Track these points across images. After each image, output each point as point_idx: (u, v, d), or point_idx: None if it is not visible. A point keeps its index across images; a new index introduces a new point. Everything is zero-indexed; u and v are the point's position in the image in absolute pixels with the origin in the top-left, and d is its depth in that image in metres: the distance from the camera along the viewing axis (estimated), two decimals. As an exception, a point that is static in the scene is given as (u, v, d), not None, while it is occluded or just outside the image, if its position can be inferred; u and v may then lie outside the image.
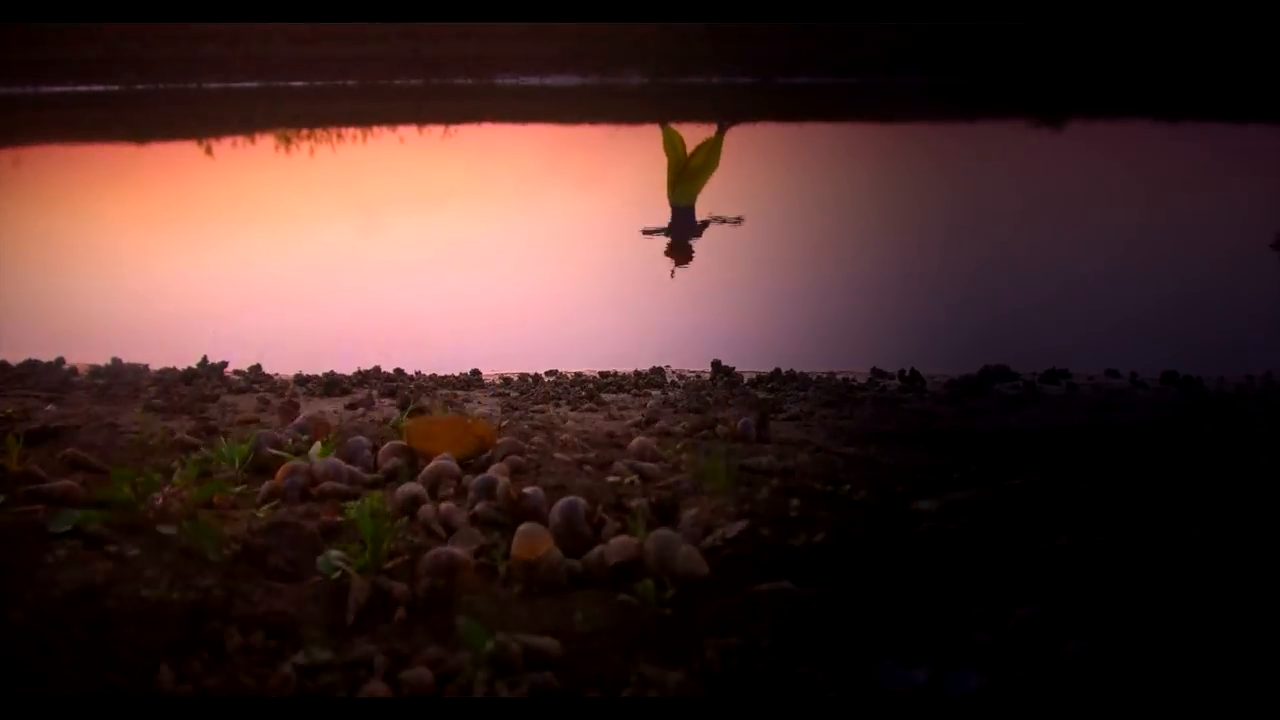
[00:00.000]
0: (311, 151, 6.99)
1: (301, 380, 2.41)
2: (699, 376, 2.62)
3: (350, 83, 9.28)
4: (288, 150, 7.07)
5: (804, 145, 8.12)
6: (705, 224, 5.38)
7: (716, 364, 2.86)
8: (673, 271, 4.74)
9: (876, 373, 2.72)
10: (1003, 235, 4.73)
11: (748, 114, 9.07)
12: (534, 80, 9.20)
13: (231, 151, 7.05)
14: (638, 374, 2.62)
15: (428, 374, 2.55)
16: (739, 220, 5.35)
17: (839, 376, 2.58)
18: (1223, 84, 10.48)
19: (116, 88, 9.13)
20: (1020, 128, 8.96)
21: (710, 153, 5.76)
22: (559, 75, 9.31)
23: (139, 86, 9.22)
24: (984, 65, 10.34)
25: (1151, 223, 4.88)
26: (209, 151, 7.00)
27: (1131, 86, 10.46)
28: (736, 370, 2.66)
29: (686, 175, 5.85)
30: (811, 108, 9.44)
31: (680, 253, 5.03)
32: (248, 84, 9.29)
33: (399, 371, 2.57)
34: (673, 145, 5.35)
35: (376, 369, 2.56)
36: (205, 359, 2.63)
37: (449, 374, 2.54)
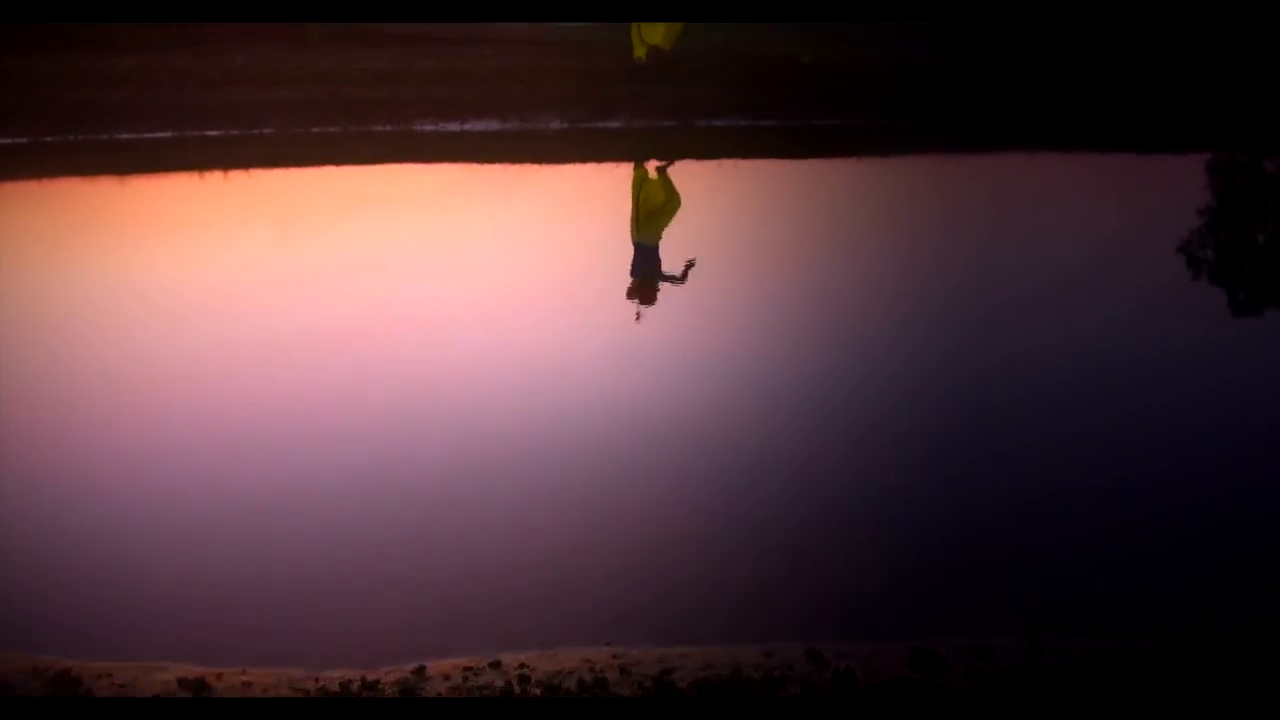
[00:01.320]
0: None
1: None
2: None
3: (267, 130, 9.17)
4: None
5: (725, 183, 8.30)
6: (689, 267, 5.63)
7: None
8: (638, 314, 4.92)
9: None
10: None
11: (676, 154, 9.23)
12: (454, 126, 9.18)
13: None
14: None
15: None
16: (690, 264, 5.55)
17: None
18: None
19: (24, 140, 8.94)
20: (937, 165, 9.20)
21: (669, 191, 6.18)
22: (478, 121, 9.30)
23: (48, 138, 9.02)
24: (902, 106, 10.54)
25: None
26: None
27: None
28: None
29: (651, 214, 6.26)
30: (732, 149, 9.59)
31: (646, 293, 5.25)
32: (161, 134, 9.13)
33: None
34: (640, 184, 5.70)
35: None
36: None
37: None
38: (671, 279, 5.73)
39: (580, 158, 9.28)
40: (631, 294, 5.26)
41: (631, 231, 6.84)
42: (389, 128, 9.30)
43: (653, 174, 8.50)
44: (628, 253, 6.38)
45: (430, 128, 9.30)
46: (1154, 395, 4.21)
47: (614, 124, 9.74)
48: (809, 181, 9.08)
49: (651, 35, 10.85)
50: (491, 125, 9.44)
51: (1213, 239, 7.89)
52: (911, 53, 14.64)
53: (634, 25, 11.00)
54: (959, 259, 6.44)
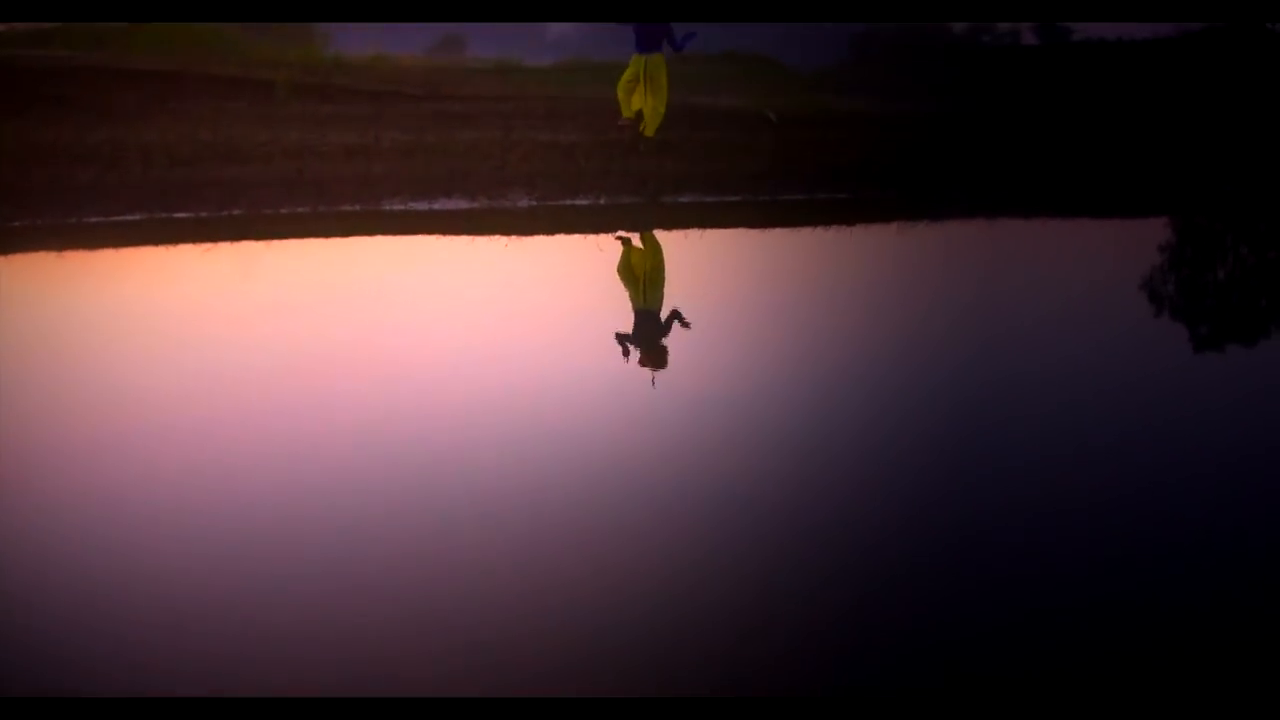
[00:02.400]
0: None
1: None
2: None
3: (236, 211, 9.20)
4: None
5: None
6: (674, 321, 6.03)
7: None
8: (653, 380, 5.00)
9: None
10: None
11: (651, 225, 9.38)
12: (423, 205, 9.26)
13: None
14: None
15: None
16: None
17: None
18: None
19: (-13, 224, 8.92)
20: (895, 233, 9.36)
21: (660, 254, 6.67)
22: (447, 200, 9.40)
23: (15, 223, 9.00)
24: (868, 181, 10.73)
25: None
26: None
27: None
28: None
29: (652, 279, 6.69)
30: (700, 221, 9.72)
31: (658, 357, 5.44)
32: (130, 216, 9.14)
33: None
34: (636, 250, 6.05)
35: None
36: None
37: None
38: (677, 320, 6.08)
39: (549, 231, 9.34)
40: (645, 362, 5.37)
41: (634, 300, 6.97)
42: (358, 207, 9.33)
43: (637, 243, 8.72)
44: (603, 320, 6.41)
45: (399, 207, 9.35)
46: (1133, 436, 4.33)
47: (582, 201, 9.84)
48: (776, 248, 9.22)
49: (635, 113, 11.28)
50: (460, 204, 9.50)
51: (1174, 276, 8.62)
52: (874, 106, 15.02)
53: (624, 91, 11.33)
54: (932, 317, 6.59)
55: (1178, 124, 16.03)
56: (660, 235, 9.22)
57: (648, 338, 5.86)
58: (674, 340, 5.78)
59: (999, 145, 12.45)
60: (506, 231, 8.93)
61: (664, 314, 6.40)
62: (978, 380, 5.27)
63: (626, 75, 11.39)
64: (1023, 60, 39.73)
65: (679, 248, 8.81)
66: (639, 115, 11.41)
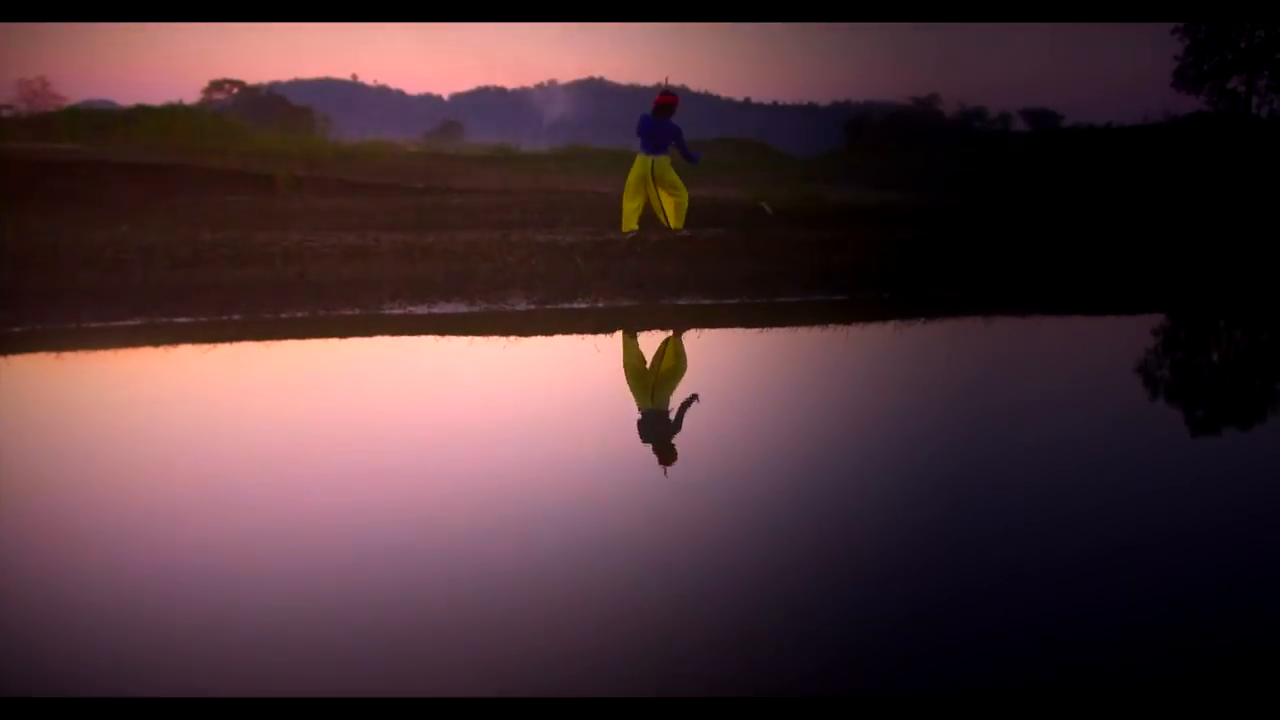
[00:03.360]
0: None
1: None
2: None
3: (236, 316, 9.23)
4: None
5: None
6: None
7: None
8: (665, 471, 5.25)
9: None
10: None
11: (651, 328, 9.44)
12: (421, 309, 9.31)
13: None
14: None
15: None
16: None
17: None
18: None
19: (-13, 330, 8.92)
20: (887, 333, 9.39)
21: (677, 355, 7.14)
22: (445, 303, 9.45)
23: (15, 329, 9.01)
24: (862, 282, 10.81)
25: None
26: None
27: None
28: None
29: (661, 379, 6.98)
30: (697, 322, 9.77)
31: (667, 452, 5.67)
32: (131, 321, 9.16)
33: None
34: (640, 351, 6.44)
35: None
36: None
37: None
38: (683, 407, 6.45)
39: (547, 332, 9.37)
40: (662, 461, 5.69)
41: (639, 400, 7.09)
42: (356, 311, 9.37)
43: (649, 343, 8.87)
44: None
45: (398, 311, 9.39)
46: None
47: (580, 304, 9.89)
48: (774, 351, 9.26)
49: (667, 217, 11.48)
50: (459, 308, 9.55)
51: (1169, 360, 9.32)
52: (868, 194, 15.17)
53: (630, 199, 11.50)
54: (932, 414, 6.63)
55: (1170, 217, 16.20)
56: (663, 337, 9.28)
57: (658, 436, 6.05)
58: (681, 439, 5.94)
59: (992, 241, 12.55)
60: (505, 333, 8.99)
61: (672, 414, 6.58)
62: (972, 480, 5.31)
63: (632, 178, 11.51)
64: (1013, 145, 40.38)
65: (677, 348, 8.86)
66: (638, 229, 11.61)
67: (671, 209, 11.60)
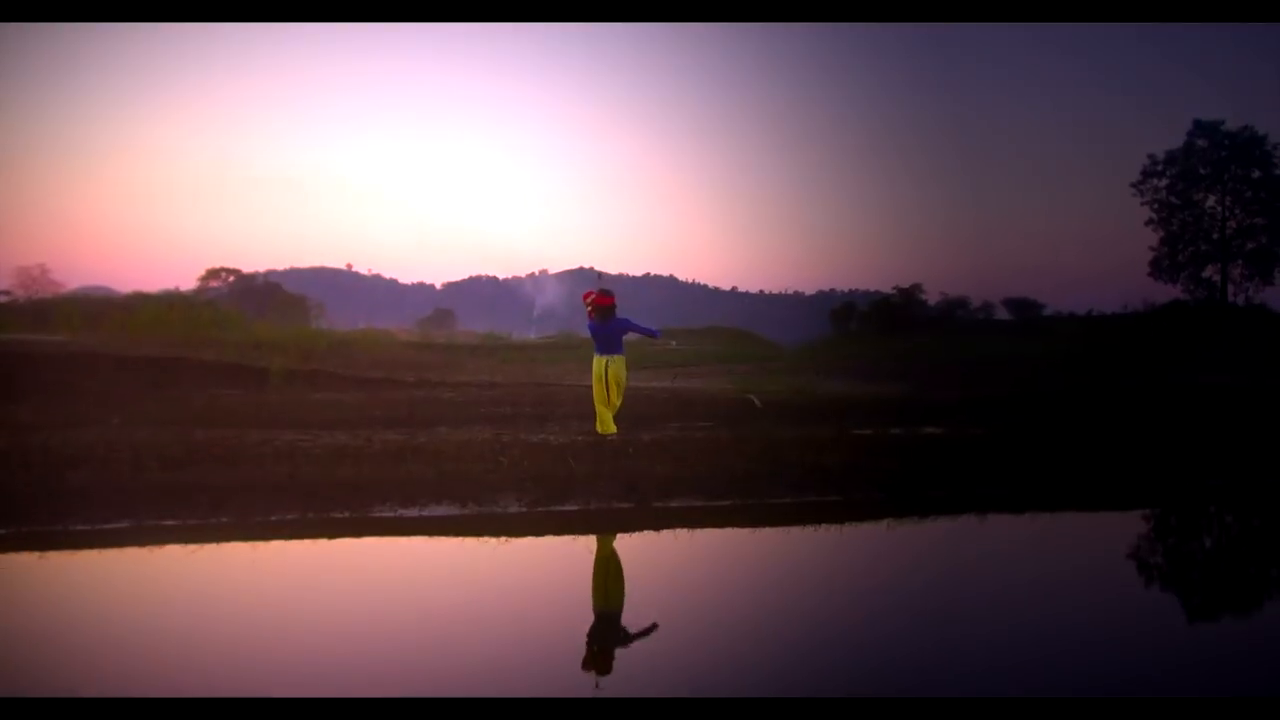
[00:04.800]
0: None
1: None
2: None
3: (225, 519, 9.15)
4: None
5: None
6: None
7: None
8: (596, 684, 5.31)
9: None
10: None
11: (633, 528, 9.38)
12: (412, 512, 9.25)
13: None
14: None
15: None
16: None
17: None
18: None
19: (-25, 533, 8.82)
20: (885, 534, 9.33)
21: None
22: (436, 506, 9.41)
23: (1, 530, 8.92)
24: (856, 485, 10.83)
25: None
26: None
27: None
28: None
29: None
30: (688, 523, 9.70)
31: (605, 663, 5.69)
32: (117, 524, 9.06)
33: None
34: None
35: None
36: None
37: None
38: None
39: (538, 532, 9.30)
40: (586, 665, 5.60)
41: (596, 603, 7.17)
42: (347, 514, 9.31)
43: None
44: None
45: (388, 514, 9.33)
46: None
47: (572, 506, 9.85)
48: (766, 547, 9.20)
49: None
50: (450, 511, 9.50)
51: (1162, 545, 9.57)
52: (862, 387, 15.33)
53: (600, 400, 11.64)
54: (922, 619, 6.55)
55: (1156, 408, 16.37)
56: (651, 538, 9.22)
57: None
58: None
59: (981, 438, 12.63)
60: (496, 534, 8.92)
61: (656, 623, 6.56)
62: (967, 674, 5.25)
63: (595, 379, 11.65)
64: (997, 333, 41.12)
65: (670, 551, 8.78)
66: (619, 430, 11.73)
67: (611, 410, 11.71)
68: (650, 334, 12.00)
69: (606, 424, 11.70)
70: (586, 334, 12.15)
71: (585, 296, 11.81)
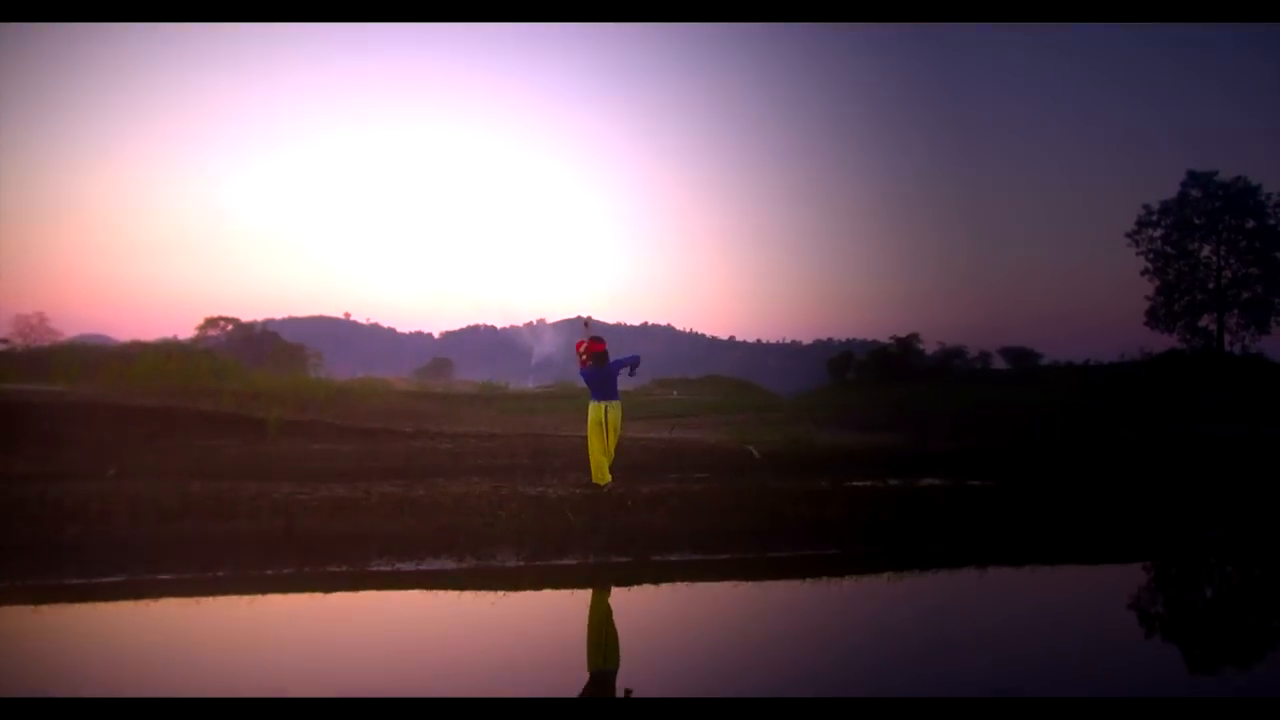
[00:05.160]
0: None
1: None
2: None
3: (221, 573, 9.10)
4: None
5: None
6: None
7: None
8: None
9: None
10: None
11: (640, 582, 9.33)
12: (409, 566, 9.20)
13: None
14: None
15: None
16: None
17: None
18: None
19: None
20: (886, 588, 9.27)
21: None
22: (434, 560, 9.36)
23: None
24: (854, 537, 10.80)
25: None
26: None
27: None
28: None
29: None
30: (687, 577, 9.66)
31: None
32: (113, 578, 9.01)
33: None
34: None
35: None
36: None
37: None
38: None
39: (535, 586, 9.24)
40: None
41: (594, 661, 7.08)
42: (344, 568, 9.26)
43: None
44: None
45: (385, 568, 9.27)
46: None
47: (570, 560, 9.80)
48: (766, 602, 9.13)
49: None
50: (447, 565, 9.45)
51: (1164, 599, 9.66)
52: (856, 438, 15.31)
53: (596, 449, 11.65)
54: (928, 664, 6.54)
55: (1154, 459, 16.36)
56: (649, 593, 9.16)
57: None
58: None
59: (979, 491, 12.60)
60: (494, 588, 8.86)
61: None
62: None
63: (591, 425, 11.68)
64: (994, 383, 41.15)
65: (669, 606, 8.73)
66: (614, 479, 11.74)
67: (606, 459, 11.73)
68: (634, 361, 12.05)
69: (603, 473, 11.68)
70: (583, 383, 12.17)
71: (578, 346, 11.97)
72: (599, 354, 11.78)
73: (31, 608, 8.38)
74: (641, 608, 8.76)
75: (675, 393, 36.58)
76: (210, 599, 8.64)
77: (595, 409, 11.75)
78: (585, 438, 11.98)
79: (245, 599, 8.67)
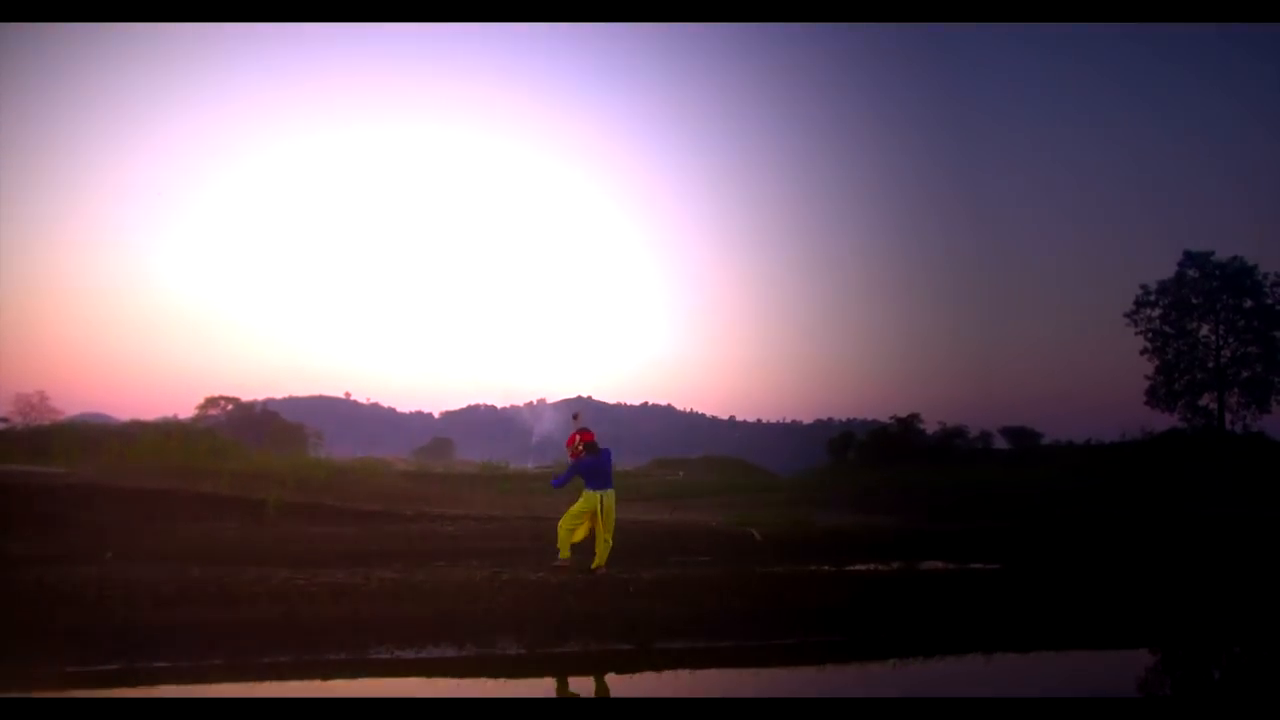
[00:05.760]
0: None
1: None
2: None
3: (217, 661, 8.99)
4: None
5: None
6: None
7: None
8: None
9: None
10: None
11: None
12: (409, 654, 9.11)
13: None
14: None
15: None
16: None
17: None
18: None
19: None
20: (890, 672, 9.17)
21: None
22: (434, 647, 9.27)
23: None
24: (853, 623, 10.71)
25: None
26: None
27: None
28: None
29: None
30: (689, 667, 9.54)
31: None
32: (108, 665, 8.91)
33: None
34: None
35: None
36: None
37: None
38: None
39: (537, 674, 9.13)
40: None
41: None
42: (343, 655, 9.16)
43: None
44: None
45: (385, 656, 9.17)
46: None
47: (572, 648, 9.70)
48: (772, 690, 9.02)
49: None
50: (448, 652, 9.35)
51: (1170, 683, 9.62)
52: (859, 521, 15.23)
53: (568, 528, 11.75)
54: None
55: (1159, 541, 16.27)
56: (653, 681, 9.05)
57: None
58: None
59: (983, 576, 12.53)
60: (495, 676, 8.77)
61: None
62: None
63: (577, 509, 11.77)
64: (996, 463, 41.05)
65: (673, 695, 8.62)
66: (575, 557, 11.75)
67: (603, 548, 11.78)
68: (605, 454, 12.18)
69: (567, 550, 11.76)
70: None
71: (569, 441, 12.27)
72: (591, 443, 12.07)
73: (27, 695, 8.28)
74: (645, 695, 8.64)
75: (681, 474, 36.48)
76: (208, 687, 8.53)
77: (590, 498, 11.88)
78: (567, 516, 11.99)
79: (243, 686, 8.57)
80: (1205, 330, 48.87)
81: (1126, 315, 50.42)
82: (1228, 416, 48.23)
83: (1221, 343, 48.45)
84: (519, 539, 15.13)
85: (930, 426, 48.37)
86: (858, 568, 12.14)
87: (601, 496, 11.78)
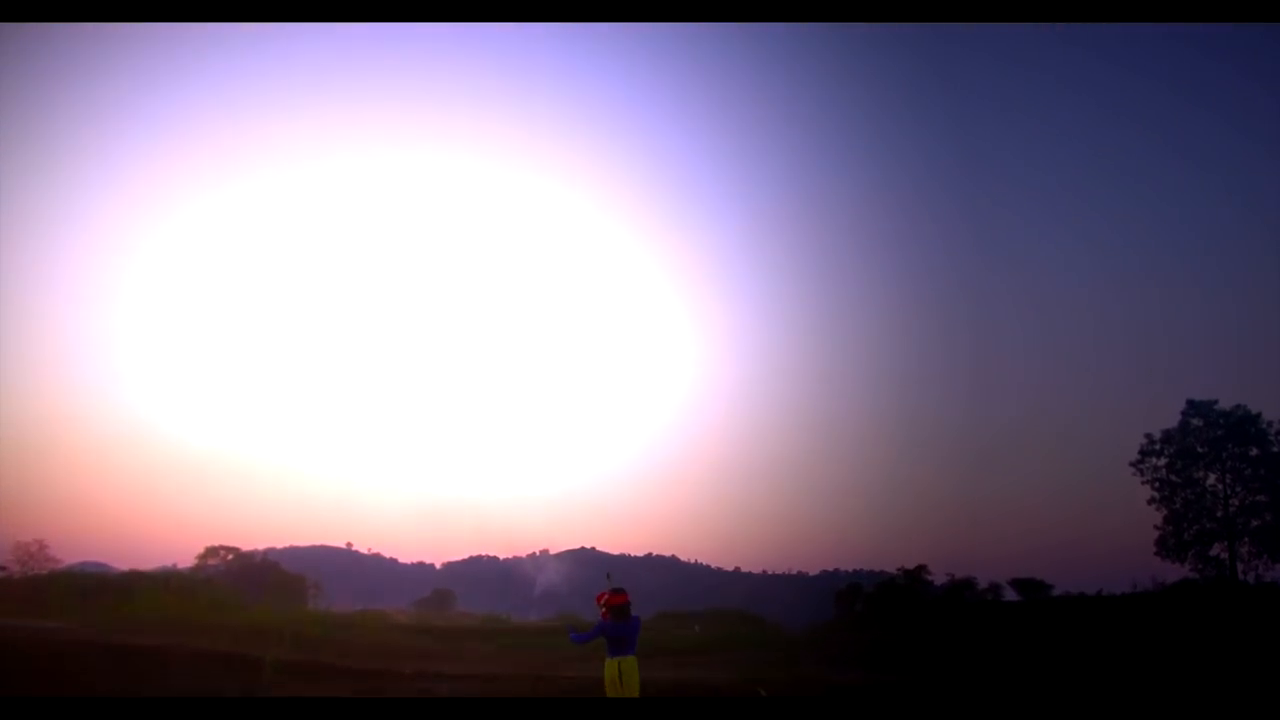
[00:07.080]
0: None
1: None
2: None
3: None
4: None
5: None
6: None
7: None
8: None
9: None
10: None
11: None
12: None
13: None
14: None
15: None
16: None
17: None
18: None
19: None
20: None
21: None
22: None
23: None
24: None
25: None
26: None
27: None
28: None
29: None
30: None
31: None
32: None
33: None
34: None
35: None
36: None
37: None
38: None
39: None
40: None
41: None
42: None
43: None
44: None
45: None
46: None
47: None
48: None
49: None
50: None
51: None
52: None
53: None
54: None
55: (1175, 699, 15.92)
56: None
57: None
58: None
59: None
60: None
61: None
62: None
63: (607, 684, 11.09)
64: (1006, 615, 40.35)
65: None
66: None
67: None
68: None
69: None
70: (585, 616, 11.86)
71: (599, 598, 11.46)
72: (620, 607, 11.31)
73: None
74: None
75: (698, 628, 35.91)
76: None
77: (610, 666, 11.20)
78: (593, 679, 11.50)
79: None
80: (1212, 479, 48.56)
81: (1132, 465, 50.17)
82: (1240, 566, 47.56)
83: (1229, 491, 48.11)
84: (521, 688, 14.83)
85: (938, 578, 47.62)
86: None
87: (620, 663, 11.13)
